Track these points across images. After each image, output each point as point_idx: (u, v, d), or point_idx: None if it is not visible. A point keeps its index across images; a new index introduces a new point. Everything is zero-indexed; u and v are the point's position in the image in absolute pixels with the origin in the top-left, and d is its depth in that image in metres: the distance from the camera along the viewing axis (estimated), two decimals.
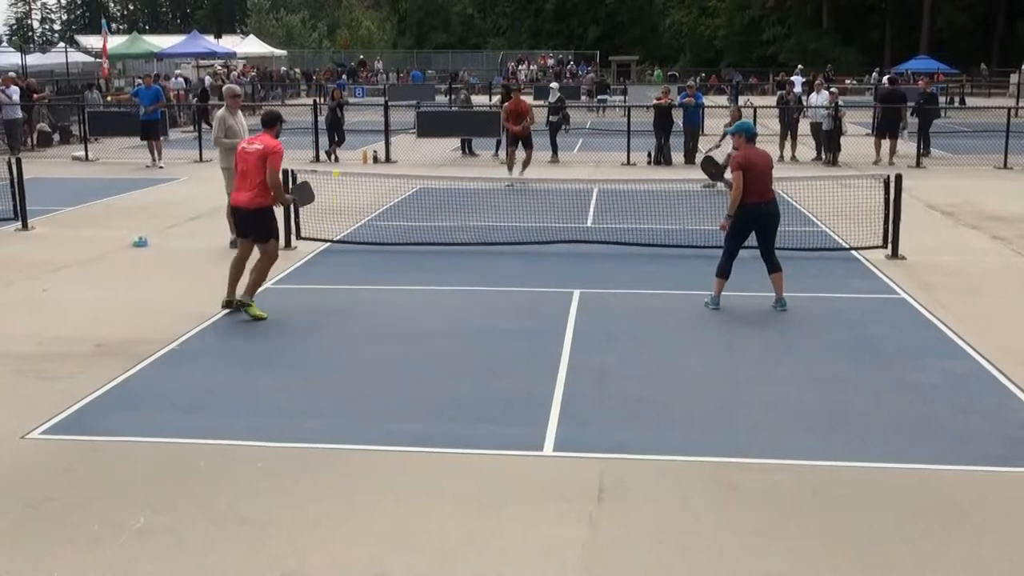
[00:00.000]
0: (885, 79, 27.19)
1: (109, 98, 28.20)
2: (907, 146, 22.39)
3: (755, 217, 9.21)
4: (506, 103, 19.47)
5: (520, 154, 18.70)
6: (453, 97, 31.94)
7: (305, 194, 9.95)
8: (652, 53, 71.50)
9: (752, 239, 9.39)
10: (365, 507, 5.42)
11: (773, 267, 9.43)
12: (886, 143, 21.56)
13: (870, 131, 25.35)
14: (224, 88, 13.91)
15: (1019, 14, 60.81)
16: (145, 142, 22.10)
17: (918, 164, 20.88)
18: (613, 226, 13.55)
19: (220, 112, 12.67)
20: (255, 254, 9.41)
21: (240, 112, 12.92)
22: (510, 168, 18.34)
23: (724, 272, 9.39)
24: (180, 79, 39.11)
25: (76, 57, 45.04)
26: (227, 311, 9.31)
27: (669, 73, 55.11)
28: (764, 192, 9.17)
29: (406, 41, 79.54)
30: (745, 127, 9.48)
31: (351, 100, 34.60)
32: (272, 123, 9.35)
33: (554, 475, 5.84)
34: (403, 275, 10.93)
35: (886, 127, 21.65)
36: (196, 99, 29.50)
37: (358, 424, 6.64)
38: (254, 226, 9.33)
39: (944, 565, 4.83)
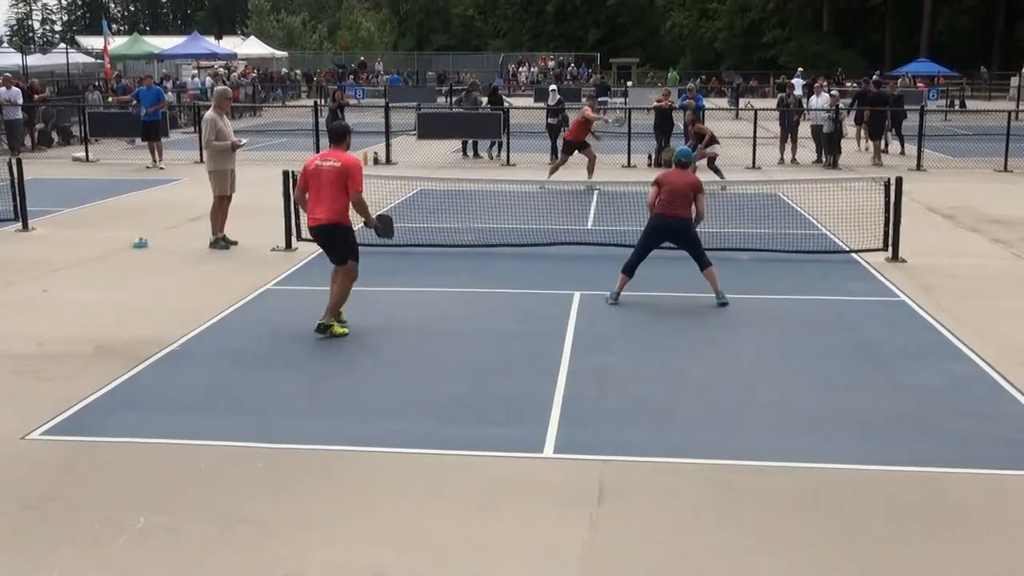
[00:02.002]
0: (886, 83, 27.39)
1: (111, 99, 28.11)
2: (903, 147, 22.81)
3: (661, 227, 9.74)
4: (583, 110, 19.08)
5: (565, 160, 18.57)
6: (456, 99, 31.79)
7: (386, 227, 9.18)
8: (653, 55, 71.47)
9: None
10: (365, 508, 5.42)
11: (702, 265, 9.77)
12: (871, 142, 22.49)
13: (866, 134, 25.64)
14: (216, 90, 13.86)
15: (1019, 16, 60.75)
16: (145, 142, 22.14)
17: (919, 167, 20.91)
18: (613, 228, 13.55)
19: (210, 114, 12.61)
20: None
21: (225, 115, 12.90)
22: (552, 172, 18.12)
23: (627, 269, 9.82)
24: (197, 80, 39.07)
25: (77, 58, 45.10)
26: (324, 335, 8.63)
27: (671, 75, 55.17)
28: (671, 207, 9.66)
29: (407, 43, 79.51)
30: (675, 155, 10.42)
31: (351, 102, 34.55)
32: (343, 137, 8.74)
33: (554, 476, 5.84)
34: (403, 276, 10.93)
35: (877, 128, 22.39)
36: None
37: (358, 425, 6.64)
38: (331, 245, 8.73)
39: (944, 566, 4.83)
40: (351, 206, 8.60)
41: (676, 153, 10.42)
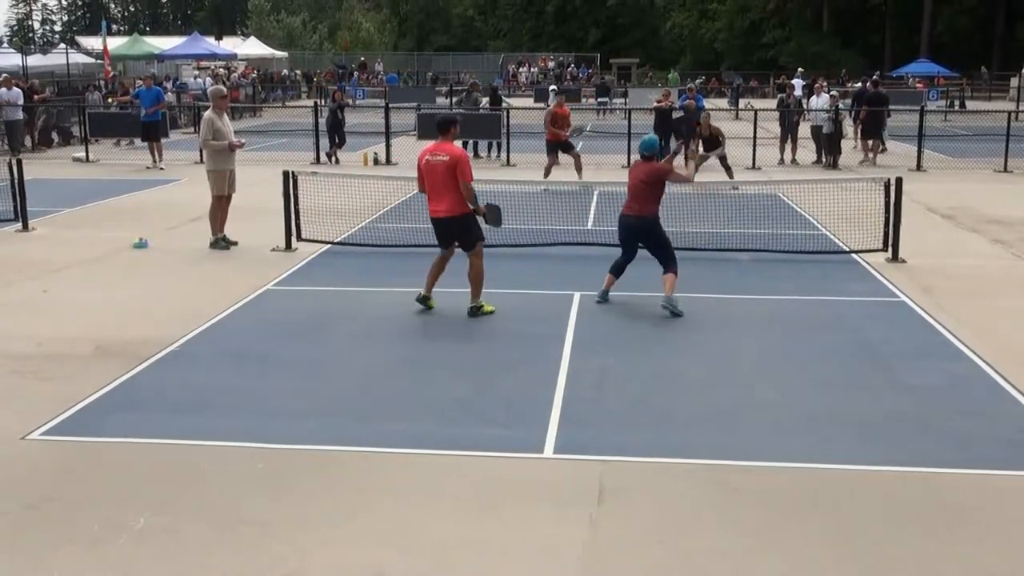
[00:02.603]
0: (870, 82, 27.51)
1: (111, 100, 28.06)
2: (902, 147, 22.87)
3: (622, 226, 9.63)
4: (551, 107, 19.32)
5: (563, 159, 18.62)
6: (457, 99, 31.82)
7: (494, 216, 9.61)
8: (653, 56, 71.46)
9: None
10: (365, 508, 5.42)
11: (665, 268, 9.50)
12: (862, 141, 22.71)
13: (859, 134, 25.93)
14: (210, 89, 13.87)
15: (1019, 16, 60.75)
16: (145, 142, 22.16)
17: (918, 167, 20.92)
18: (614, 228, 13.49)
19: (208, 114, 12.63)
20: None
21: (225, 114, 12.90)
22: (546, 174, 18.16)
23: (614, 269, 9.76)
24: (199, 80, 39.16)
25: (77, 58, 45.08)
26: (422, 307, 9.48)
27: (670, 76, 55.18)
28: (629, 206, 9.52)
29: (407, 43, 79.51)
30: (639, 147, 9.86)
31: (351, 102, 34.61)
32: (449, 128, 9.32)
33: (554, 477, 5.84)
34: (403, 277, 10.91)
35: (873, 129, 22.53)
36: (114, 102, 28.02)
37: (358, 425, 6.65)
38: (457, 235, 9.31)
39: (944, 567, 4.83)
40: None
41: (640, 144, 9.91)
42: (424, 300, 9.50)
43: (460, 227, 9.25)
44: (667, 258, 9.47)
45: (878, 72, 46.51)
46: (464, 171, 9.03)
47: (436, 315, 9.41)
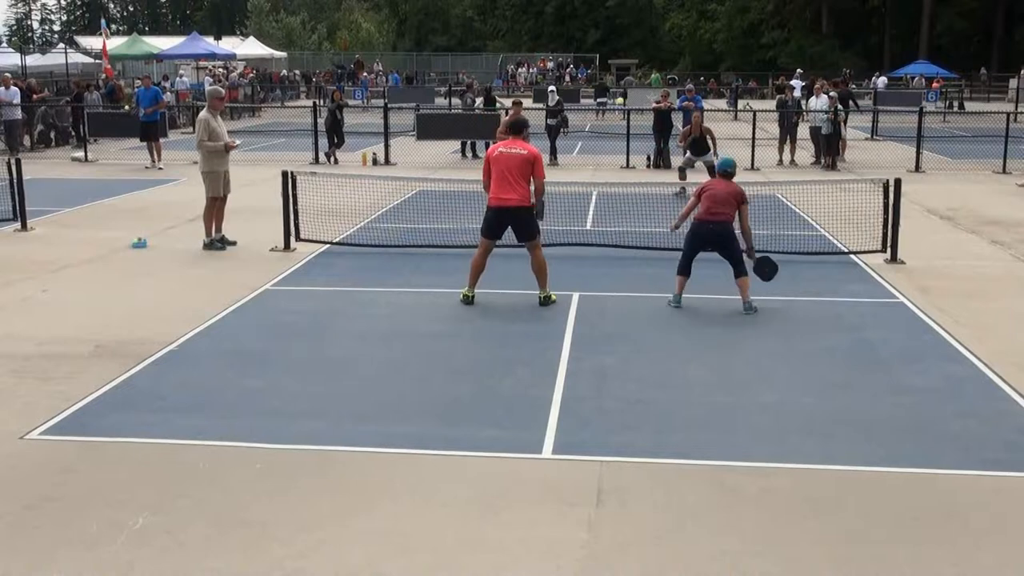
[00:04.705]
0: (840, 82, 27.81)
1: (126, 107, 27.77)
2: (901, 148, 22.83)
3: (700, 233, 9.63)
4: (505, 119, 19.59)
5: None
6: (456, 100, 31.93)
7: (541, 210, 9.93)
8: (652, 56, 71.47)
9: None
10: (363, 509, 5.43)
11: (737, 273, 9.59)
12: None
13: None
14: (209, 90, 13.85)
15: (1018, 19, 60.83)
16: (144, 143, 22.14)
17: (917, 168, 20.93)
18: (612, 229, 13.56)
19: (203, 115, 12.56)
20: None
21: (219, 114, 12.88)
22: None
23: (681, 271, 9.74)
24: (185, 79, 39.34)
25: (76, 58, 45.06)
26: (465, 303, 9.73)
27: (668, 77, 55.15)
28: (710, 213, 9.52)
29: (406, 43, 79.51)
30: (718, 165, 10.22)
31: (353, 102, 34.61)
32: (522, 129, 9.90)
33: (553, 478, 5.85)
34: (402, 277, 10.94)
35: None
36: (70, 100, 27.17)
37: (357, 426, 6.65)
38: (521, 224, 9.59)
39: (943, 567, 4.83)
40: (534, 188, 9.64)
41: (719, 163, 10.20)
42: (468, 299, 9.73)
43: (527, 218, 9.59)
44: (740, 262, 9.57)
45: (877, 72, 46.49)
46: (542, 168, 9.57)
47: (435, 315, 9.42)
